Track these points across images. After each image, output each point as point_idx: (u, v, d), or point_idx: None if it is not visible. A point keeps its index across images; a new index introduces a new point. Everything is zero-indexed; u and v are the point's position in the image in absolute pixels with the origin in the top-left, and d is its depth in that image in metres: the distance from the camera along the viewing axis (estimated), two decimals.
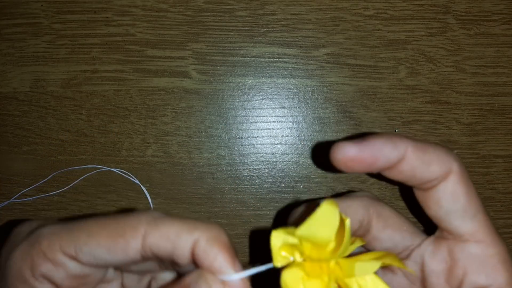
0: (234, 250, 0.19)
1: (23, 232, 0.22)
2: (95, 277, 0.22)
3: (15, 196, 0.35)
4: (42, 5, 0.35)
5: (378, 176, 0.24)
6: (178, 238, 0.19)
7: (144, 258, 0.20)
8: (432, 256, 0.25)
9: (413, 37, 0.35)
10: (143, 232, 0.20)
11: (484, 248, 0.23)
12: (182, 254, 0.19)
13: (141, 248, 0.20)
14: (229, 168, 0.35)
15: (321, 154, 0.35)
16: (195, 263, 0.19)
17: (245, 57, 0.35)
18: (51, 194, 0.35)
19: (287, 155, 0.35)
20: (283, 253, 0.19)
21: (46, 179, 0.35)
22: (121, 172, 0.35)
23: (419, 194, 0.24)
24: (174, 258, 0.20)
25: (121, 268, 0.22)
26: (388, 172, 0.23)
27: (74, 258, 0.20)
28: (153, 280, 0.25)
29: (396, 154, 0.22)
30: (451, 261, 0.24)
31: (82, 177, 0.34)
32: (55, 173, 0.34)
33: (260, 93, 0.35)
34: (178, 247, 0.19)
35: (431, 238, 0.25)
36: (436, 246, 0.25)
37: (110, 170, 0.35)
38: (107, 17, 0.34)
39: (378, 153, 0.22)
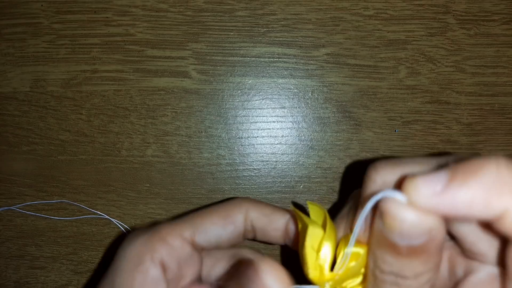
0: None
1: (142, 230, 0.25)
2: (194, 271, 0.25)
3: (19, 205, 0.35)
4: (42, 5, 0.35)
5: None
6: (273, 215, 0.25)
7: (245, 232, 0.26)
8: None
9: (413, 37, 0.35)
10: (245, 209, 0.26)
11: None
12: (276, 228, 0.25)
13: (244, 221, 0.25)
14: (229, 168, 0.35)
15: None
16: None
17: (245, 57, 0.35)
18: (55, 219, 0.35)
19: (287, 155, 0.35)
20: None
21: (52, 201, 0.35)
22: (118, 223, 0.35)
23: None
24: (269, 232, 0.26)
25: (223, 245, 0.26)
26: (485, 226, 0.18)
27: (191, 242, 0.25)
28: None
29: (489, 212, 0.15)
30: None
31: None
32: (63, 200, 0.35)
33: (260, 93, 0.35)
34: (273, 222, 0.25)
35: None
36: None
37: (94, 214, 0.35)
38: (107, 17, 0.34)
39: (463, 204, 0.15)
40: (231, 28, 0.35)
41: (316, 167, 0.35)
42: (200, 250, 0.26)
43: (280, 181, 0.35)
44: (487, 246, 0.19)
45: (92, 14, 0.34)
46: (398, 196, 0.16)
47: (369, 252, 0.19)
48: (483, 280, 0.19)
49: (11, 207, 0.35)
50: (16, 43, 0.35)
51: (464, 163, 0.15)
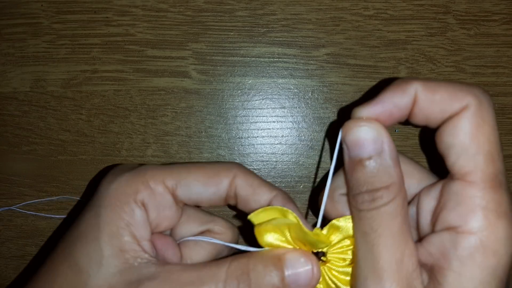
0: None
1: (126, 167, 0.25)
2: (170, 222, 0.26)
3: (19, 205, 0.35)
4: (42, 5, 0.35)
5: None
6: (259, 188, 0.26)
7: (228, 197, 0.26)
8: (425, 195, 0.23)
9: (413, 37, 0.35)
10: (233, 175, 0.25)
11: (469, 189, 0.21)
12: (258, 202, 0.26)
13: (229, 186, 0.25)
14: None
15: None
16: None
17: (245, 57, 0.35)
18: (55, 217, 0.35)
19: (287, 155, 0.35)
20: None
21: (54, 198, 0.35)
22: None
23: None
24: (251, 203, 0.26)
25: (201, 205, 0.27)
26: (408, 119, 0.23)
27: (172, 192, 0.25)
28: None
29: (405, 100, 0.22)
30: (438, 199, 0.23)
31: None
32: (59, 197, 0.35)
33: (260, 93, 0.35)
34: (257, 194, 0.26)
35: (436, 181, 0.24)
36: (433, 186, 0.23)
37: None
38: (107, 17, 0.34)
39: (389, 106, 0.22)
40: (231, 28, 0.35)
41: (316, 167, 0.35)
42: (181, 204, 0.26)
43: (280, 181, 0.35)
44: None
45: (92, 14, 0.34)
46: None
47: (347, 187, 0.23)
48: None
49: (11, 207, 0.35)
50: (16, 43, 0.35)
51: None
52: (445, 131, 0.22)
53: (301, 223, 0.23)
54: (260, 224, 0.24)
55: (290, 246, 0.24)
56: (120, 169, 0.25)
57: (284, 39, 0.35)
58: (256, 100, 0.35)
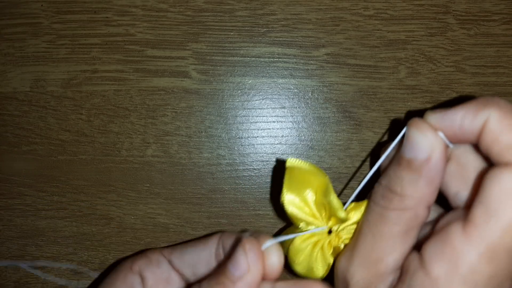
0: None
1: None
2: None
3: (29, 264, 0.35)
4: (42, 5, 0.35)
5: None
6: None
7: (217, 254, 0.27)
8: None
9: (413, 37, 0.35)
10: (219, 234, 0.28)
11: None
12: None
13: (217, 244, 0.27)
14: (229, 168, 0.35)
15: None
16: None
17: (245, 57, 0.35)
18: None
19: (287, 155, 0.35)
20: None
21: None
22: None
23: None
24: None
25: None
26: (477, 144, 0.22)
27: (168, 259, 0.28)
28: None
29: (474, 125, 0.20)
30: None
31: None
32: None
33: (260, 93, 0.35)
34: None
35: None
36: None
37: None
38: (107, 17, 0.34)
39: (455, 126, 0.21)
40: (231, 28, 0.34)
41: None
42: (183, 278, 0.28)
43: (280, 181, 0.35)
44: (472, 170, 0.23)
45: (92, 14, 0.34)
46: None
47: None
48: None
49: (18, 264, 0.35)
50: (16, 43, 0.35)
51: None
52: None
53: (331, 185, 0.24)
54: (292, 169, 0.25)
55: (305, 215, 0.25)
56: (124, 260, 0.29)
57: (284, 39, 0.35)
58: (256, 100, 0.35)
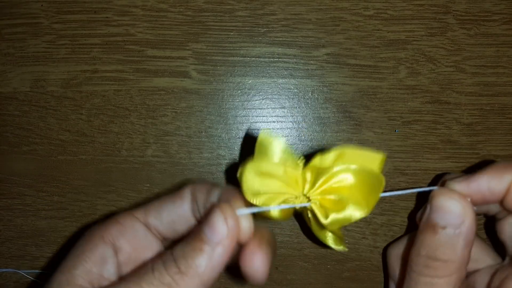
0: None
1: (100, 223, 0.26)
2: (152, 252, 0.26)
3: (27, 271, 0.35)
4: (42, 5, 0.35)
5: None
6: (212, 190, 0.25)
7: (193, 210, 0.26)
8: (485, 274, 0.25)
9: (413, 37, 0.35)
10: (192, 186, 0.26)
11: None
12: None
13: (192, 197, 0.26)
14: (229, 168, 0.35)
15: None
16: None
17: (245, 57, 0.35)
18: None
19: None
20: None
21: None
22: None
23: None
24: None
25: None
26: (501, 204, 0.24)
27: (144, 222, 0.26)
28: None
29: (500, 187, 0.23)
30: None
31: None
32: None
33: (260, 93, 0.35)
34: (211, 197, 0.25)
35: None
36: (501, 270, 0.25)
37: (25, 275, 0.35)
38: (107, 17, 0.34)
39: (483, 189, 0.23)
40: (231, 28, 0.34)
41: None
42: (161, 238, 0.26)
43: None
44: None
45: (92, 14, 0.34)
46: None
47: (415, 242, 0.24)
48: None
49: (18, 271, 0.35)
50: (16, 43, 0.35)
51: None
52: None
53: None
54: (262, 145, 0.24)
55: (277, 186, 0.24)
56: (95, 225, 0.26)
57: (284, 39, 0.35)
58: (256, 100, 0.35)
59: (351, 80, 0.35)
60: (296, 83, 0.35)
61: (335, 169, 0.24)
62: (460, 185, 0.24)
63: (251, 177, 0.23)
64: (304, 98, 0.35)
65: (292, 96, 0.35)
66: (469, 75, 0.35)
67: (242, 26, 0.34)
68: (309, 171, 0.24)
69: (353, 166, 0.24)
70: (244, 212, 0.23)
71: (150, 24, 0.34)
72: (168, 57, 0.35)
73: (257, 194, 0.23)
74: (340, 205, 0.23)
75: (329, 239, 0.26)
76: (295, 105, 0.35)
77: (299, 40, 0.35)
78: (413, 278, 0.24)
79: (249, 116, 0.35)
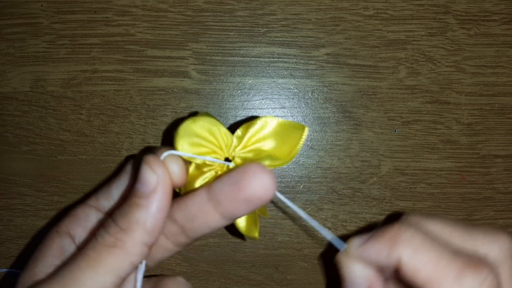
0: None
1: None
2: None
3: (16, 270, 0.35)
4: (42, 5, 0.35)
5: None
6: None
7: None
8: None
9: (413, 37, 0.35)
10: (132, 161, 0.25)
11: None
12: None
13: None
14: None
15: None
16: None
17: (245, 57, 0.35)
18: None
19: None
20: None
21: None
22: None
23: None
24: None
25: None
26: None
27: (97, 207, 0.26)
28: None
29: (388, 262, 0.21)
30: None
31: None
32: None
33: (260, 93, 0.35)
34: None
35: None
36: None
37: None
38: (107, 17, 0.34)
39: (372, 260, 0.22)
40: (231, 28, 0.34)
41: (316, 167, 0.35)
42: None
43: (280, 181, 0.35)
44: None
45: (92, 14, 0.34)
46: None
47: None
48: None
49: (12, 270, 0.35)
50: (16, 43, 0.35)
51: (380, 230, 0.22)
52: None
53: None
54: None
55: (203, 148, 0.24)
56: None
57: (284, 39, 0.35)
58: (256, 100, 0.35)
59: (351, 80, 0.35)
60: (296, 83, 0.35)
61: (255, 127, 0.24)
62: (357, 250, 0.22)
63: (185, 137, 0.23)
64: (304, 98, 0.35)
65: (292, 96, 0.35)
66: (469, 75, 0.35)
67: (242, 26, 0.34)
68: (235, 138, 0.24)
69: (272, 120, 0.24)
70: (169, 154, 0.22)
71: (150, 24, 0.34)
72: (168, 57, 0.35)
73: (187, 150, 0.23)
74: (259, 156, 0.24)
75: (241, 223, 0.25)
76: (295, 105, 0.35)
77: (299, 40, 0.35)
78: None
79: (249, 116, 0.35)
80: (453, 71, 0.35)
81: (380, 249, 0.21)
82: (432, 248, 0.21)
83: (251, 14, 0.34)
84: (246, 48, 0.35)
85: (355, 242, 0.23)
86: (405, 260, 0.21)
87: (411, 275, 0.21)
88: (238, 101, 0.35)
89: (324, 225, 0.33)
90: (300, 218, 0.34)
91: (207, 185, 0.22)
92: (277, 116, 0.35)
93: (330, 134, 0.35)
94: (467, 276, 0.20)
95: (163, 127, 0.35)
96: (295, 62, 0.35)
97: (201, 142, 0.23)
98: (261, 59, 0.35)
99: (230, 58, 0.35)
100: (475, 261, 0.20)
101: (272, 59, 0.35)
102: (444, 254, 0.20)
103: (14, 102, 0.35)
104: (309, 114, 0.35)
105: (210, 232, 0.23)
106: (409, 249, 0.21)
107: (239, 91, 0.35)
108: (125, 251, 0.21)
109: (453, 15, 0.35)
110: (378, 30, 0.34)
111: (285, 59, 0.35)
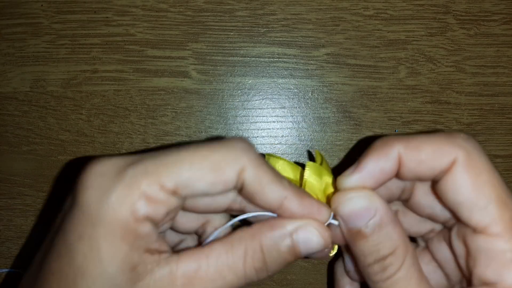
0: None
1: (108, 173, 0.20)
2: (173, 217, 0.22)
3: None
4: (42, 5, 0.35)
5: None
6: (269, 186, 0.22)
7: (236, 188, 0.22)
8: (439, 244, 0.24)
9: (413, 37, 0.35)
10: (241, 168, 0.21)
11: (496, 242, 0.21)
12: (266, 201, 0.22)
13: (236, 181, 0.21)
14: None
15: None
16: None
17: (245, 57, 0.35)
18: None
19: (287, 155, 0.35)
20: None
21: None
22: None
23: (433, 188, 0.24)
24: (257, 201, 0.22)
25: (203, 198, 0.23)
26: (397, 177, 0.23)
27: (175, 193, 0.20)
28: (207, 223, 0.25)
29: (390, 164, 0.22)
30: (465, 249, 0.23)
31: None
32: None
33: (260, 93, 0.35)
34: (266, 193, 0.22)
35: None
36: (443, 233, 0.24)
37: None
38: (107, 17, 0.34)
39: (374, 173, 0.22)
40: (231, 28, 0.34)
41: None
42: (182, 198, 0.21)
43: None
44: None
45: (92, 14, 0.34)
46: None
47: (355, 260, 0.23)
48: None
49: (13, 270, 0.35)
50: (16, 43, 0.35)
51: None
52: (445, 190, 0.22)
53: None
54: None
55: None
56: (99, 174, 0.20)
57: (284, 39, 0.35)
58: (256, 100, 0.35)
59: (351, 80, 0.35)
60: (296, 83, 0.35)
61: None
62: (352, 180, 0.22)
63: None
64: (304, 98, 0.35)
65: (292, 96, 0.35)
66: (469, 75, 0.35)
67: (242, 26, 0.34)
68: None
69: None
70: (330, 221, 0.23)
71: (150, 24, 0.34)
72: (168, 57, 0.35)
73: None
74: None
75: None
76: (295, 105, 0.35)
77: (299, 40, 0.35)
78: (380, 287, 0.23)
79: (249, 116, 0.35)
80: (453, 71, 0.35)
81: (377, 160, 0.22)
82: (424, 139, 0.22)
83: (251, 14, 0.34)
84: (246, 48, 0.35)
85: (347, 174, 0.22)
86: (404, 154, 0.21)
87: (414, 165, 0.21)
88: (238, 101, 0.35)
89: None
90: None
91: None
92: (277, 116, 0.35)
93: (330, 134, 0.35)
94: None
95: (163, 127, 0.35)
96: (295, 62, 0.35)
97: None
98: (261, 59, 0.35)
99: (230, 58, 0.35)
100: None
101: (272, 59, 0.35)
102: (437, 138, 0.22)
103: (14, 102, 0.35)
104: (309, 114, 0.35)
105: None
106: (403, 143, 0.21)
107: (239, 91, 0.35)
108: None
109: (453, 15, 0.35)
110: (378, 30, 0.34)
111: (285, 59, 0.35)
